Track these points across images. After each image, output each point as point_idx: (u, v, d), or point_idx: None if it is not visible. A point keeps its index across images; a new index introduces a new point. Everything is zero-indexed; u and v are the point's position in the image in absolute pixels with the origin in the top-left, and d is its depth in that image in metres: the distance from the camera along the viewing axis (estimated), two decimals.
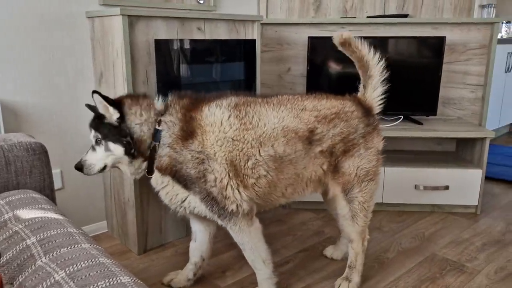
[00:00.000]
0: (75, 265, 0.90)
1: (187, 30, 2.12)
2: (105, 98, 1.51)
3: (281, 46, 2.89)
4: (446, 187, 2.60)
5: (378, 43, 2.77)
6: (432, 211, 2.70)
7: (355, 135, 1.69)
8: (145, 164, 1.59)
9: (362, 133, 1.70)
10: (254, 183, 1.59)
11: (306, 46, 2.74)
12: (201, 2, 2.56)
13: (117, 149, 1.54)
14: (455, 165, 2.68)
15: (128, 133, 1.53)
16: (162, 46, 2.03)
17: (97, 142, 1.55)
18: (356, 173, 1.71)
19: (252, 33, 2.39)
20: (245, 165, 1.56)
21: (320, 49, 2.76)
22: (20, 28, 1.97)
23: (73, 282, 0.85)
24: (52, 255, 0.95)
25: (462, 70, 2.87)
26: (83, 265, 0.90)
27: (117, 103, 1.53)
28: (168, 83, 2.07)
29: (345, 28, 2.84)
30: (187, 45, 2.13)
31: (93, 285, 0.83)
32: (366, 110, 1.75)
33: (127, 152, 1.55)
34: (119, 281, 0.85)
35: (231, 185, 1.55)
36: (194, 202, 1.59)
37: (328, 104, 1.69)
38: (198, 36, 2.17)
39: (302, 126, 1.62)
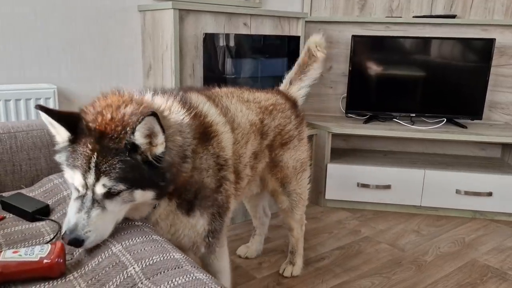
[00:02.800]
0: (130, 240, 0.96)
1: (234, 25, 2.17)
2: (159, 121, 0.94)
3: None
4: (489, 194, 2.52)
5: (424, 44, 2.72)
6: (473, 217, 2.62)
7: (290, 126, 1.68)
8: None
9: (295, 124, 1.71)
10: (240, 186, 1.39)
11: (349, 45, 2.73)
12: None
13: (146, 195, 1.00)
14: (499, 171, 2.60)
15: (168, 165, 1.00)
16: (210, 40, 2.09)
17: (110, 195, 0.96)
18: (293, 166, 1.71)
19: (296, 30, 2.41)
20: (239, 168, 1.38)
21: (363, 49, 2.74)
22: (76, 21, 2.08)
23: (130, 254, 0.90)
24: None
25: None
26: (138, 240, 0.96)
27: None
28: (213, 76, 2.13)
29: (390, 27, 2.81)
30: (233, 40, 2.17)
31: (149, 258, 0.88)
32: (292, 102, 1.77)
33: (160, 195, 1.03)
34: (172, 256, 0.90)
35: (233, 194, 1.31)
36: (194, 227, 1.19)
37: (264, 96, 1.62)
38: (244, 31, 2.21)
39: (255, 118, 1.50)
